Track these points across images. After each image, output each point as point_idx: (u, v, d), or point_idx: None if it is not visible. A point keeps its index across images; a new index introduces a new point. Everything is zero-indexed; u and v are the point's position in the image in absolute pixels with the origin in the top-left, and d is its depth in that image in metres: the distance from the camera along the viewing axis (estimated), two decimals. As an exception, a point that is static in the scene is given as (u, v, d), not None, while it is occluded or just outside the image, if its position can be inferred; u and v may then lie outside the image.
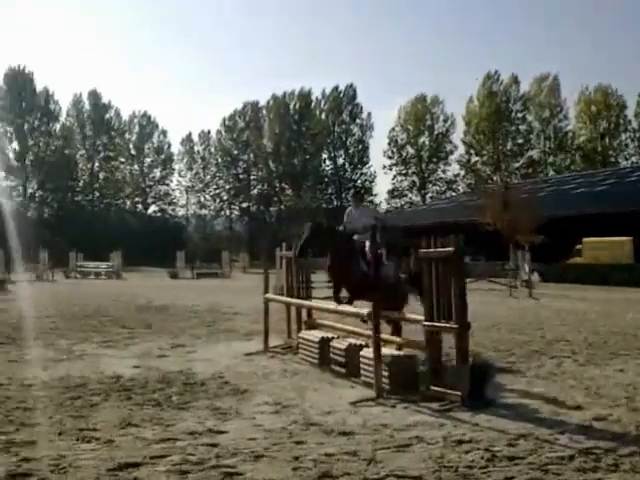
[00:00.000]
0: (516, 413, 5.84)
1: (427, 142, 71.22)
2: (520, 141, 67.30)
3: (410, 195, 71.70)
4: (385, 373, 6.70)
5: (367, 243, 8.11)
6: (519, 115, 67.71)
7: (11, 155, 65.75)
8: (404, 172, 71.51)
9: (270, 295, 10.11)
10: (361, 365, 7.29)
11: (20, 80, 65.63)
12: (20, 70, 66.10)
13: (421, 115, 70.52)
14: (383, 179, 74.61)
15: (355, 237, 8.51)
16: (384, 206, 70.95)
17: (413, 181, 71.62)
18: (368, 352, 7.16)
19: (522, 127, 67.55)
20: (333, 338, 8.31)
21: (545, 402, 6.28)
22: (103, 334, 11.40)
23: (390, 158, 71.53)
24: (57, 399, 6.51)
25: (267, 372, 7.88)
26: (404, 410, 6.06)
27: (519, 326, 12.44)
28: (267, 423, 5.61)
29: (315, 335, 8.61)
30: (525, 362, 8.48)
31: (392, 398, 6.42)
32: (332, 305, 8.29)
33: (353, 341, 7.99)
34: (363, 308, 7.52)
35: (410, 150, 71.62)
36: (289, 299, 9.56)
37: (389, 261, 8.28)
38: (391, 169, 71.54)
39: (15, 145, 65.92)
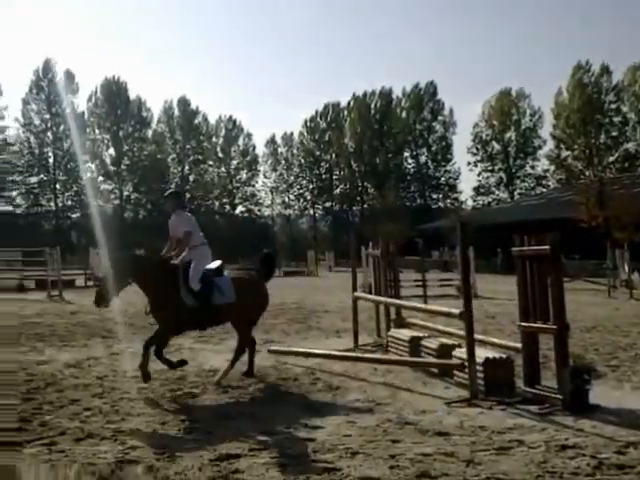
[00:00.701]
0: (623, 420, 5.55)
1: (514, 137, 69.14)
2: (614, 134, 63.97)
3: (497, 192, 69.87)
4: (480, 374, 6.57)
5: (193, 264, 7.04)
6: (612, 106, 64.39)
7: (108, 160, 68.96)
8: (490, 168, 69.77)
9: (359, 293, 10.12)
10: (454, 365, 7.16)
11: (115, 90, 68.74)
12: (115, 80, 69.23)
13: (507, 110, 68.52)
14: (468, 176, 72.88)
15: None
16: (470, 203, 69.71)
17: (500, 177, 69.73)
18: (461, 352, 7.03)
19: (616, 119, 64.13)
20: (424, 337, 8.22)
21: (654, 409, 5.95)
22: (198, 329, 11.75)
23: (475, 154, 70.02)
24: (159, 391, 6.80)
25: (358, 370, 7.86)
26: (501, 412, 5.90)
27: (621, 328, 11.83)
28: (361, 420, 5.61)
29: (405, 334, 8.54)
30: (630, 366, 8.03)
31: (488, 400, 6.26)
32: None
33: (445, 340, 7.88)
34: (456, 308, 7.38)
35: (496, 146, 69.76)
36: (378, 297, 9.53)
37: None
38: (476, 165, 70.04)
39: (111, 151, 69.11)
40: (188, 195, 71.28)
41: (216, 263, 7.35)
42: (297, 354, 8.22)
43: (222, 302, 7.11)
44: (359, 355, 7.63)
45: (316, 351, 8.13)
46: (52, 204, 66.35)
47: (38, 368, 8.05)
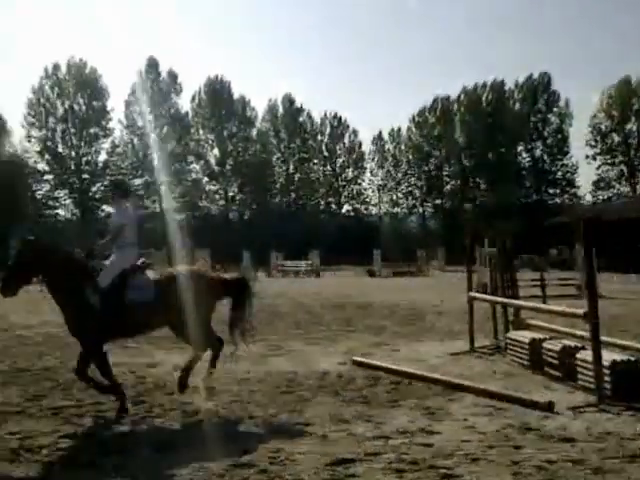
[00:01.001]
0: None
1: (635, 128, 64.79)
2: None
3: (618, 186, 65.71)
4: (607, 378, 6.17)
5: (109, 261, 6.34)
6: None
7: (212, 161, 69.70)
8: (610, 161, 65.81)
9: (475, 293, 9.81)
10: (578, 368, 6.78)
11: (219, 89, 69.28)
12: (218, 80, 69.78)
13: (627, 99, 64.29)
14: (586, 169, 68.71)
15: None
16: (589, 199, 65.94)
17: (621, 170, 65.56)
18: (586, 355, 6.64)
19: None
20: (545, 339, 7.83)
21: None
22: (307, 331, 11.82)
23: (593, 147, 66.31)
24: (270, 393, 6.80)
25: (475, 373, 7.62)
26: (631, 418, 5.54)
27: None
28: (480, 425, 5.42)
29: (525, 336, 8.16)
30: None
31: (616, 405, 5.89)
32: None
33: (568, 343, 7.46)
34: (578, 308, 6.97)
35: (616, 137, 65.68)
36: (495, 298, 9.20)
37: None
38: (595, 159, 66.26)
39: (216, 151, 69.71)
40: (293, 195, 71.49)
41: (139, 261, 6.58)
42: (379, 368, 7.97)
43: (136, 300, 6.17)
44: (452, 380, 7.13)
45: (401, 368, 7.84)
46: (157, 205, 66.67)
47: (147, 371, 8.10)
